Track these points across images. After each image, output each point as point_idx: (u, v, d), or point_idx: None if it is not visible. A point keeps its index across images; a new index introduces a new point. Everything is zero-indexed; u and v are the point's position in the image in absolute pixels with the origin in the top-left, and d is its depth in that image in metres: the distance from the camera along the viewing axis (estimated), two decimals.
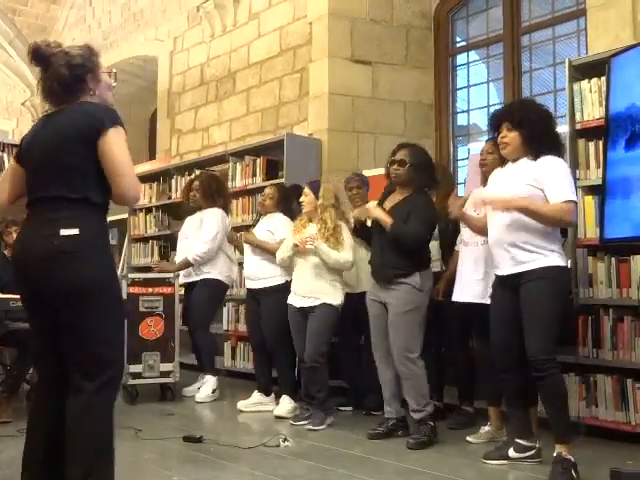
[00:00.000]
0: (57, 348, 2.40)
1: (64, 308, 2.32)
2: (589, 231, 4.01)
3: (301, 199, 4.53)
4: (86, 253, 2.32)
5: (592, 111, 4.06)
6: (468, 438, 3.90)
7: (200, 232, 5.40)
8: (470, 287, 3.90)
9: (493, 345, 3.42)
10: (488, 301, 3.61)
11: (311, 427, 4.24)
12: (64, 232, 2.29)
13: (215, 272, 5.38)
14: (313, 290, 4.37)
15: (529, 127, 3.28)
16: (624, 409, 3.80)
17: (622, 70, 3.49)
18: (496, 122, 3.43)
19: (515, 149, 3.33)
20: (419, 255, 3.95)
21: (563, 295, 3.34)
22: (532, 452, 3.39)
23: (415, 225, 3.84)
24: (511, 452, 3.41)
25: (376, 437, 3.97)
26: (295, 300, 4.47)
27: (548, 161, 3.25)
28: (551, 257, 3.22)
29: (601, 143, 3.80)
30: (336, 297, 4.37)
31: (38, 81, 2.50)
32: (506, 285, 3.33)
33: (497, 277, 3.43)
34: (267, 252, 4.82)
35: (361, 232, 4.22)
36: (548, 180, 3.22)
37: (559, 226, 3.35)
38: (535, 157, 3.28)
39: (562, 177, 3.24)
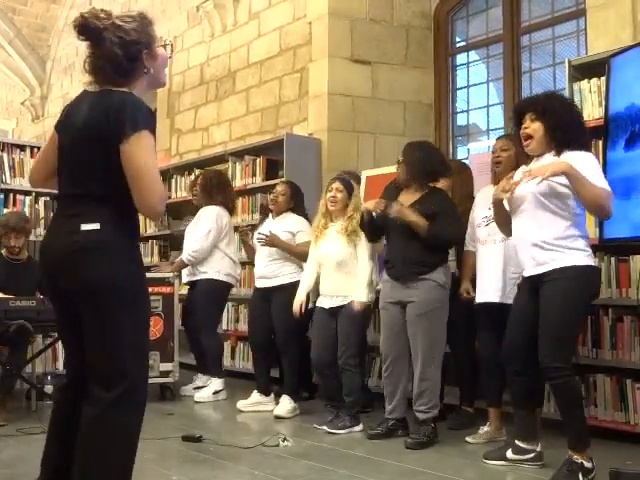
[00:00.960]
0: (82, 351, 2.25)
1: (84, 305, 2.20)
2: (589, 231, 3.99)
3: (332, 195, 4.34)
4: (107, 249, 2.19)
5: (592, 111, 4.06)
6: (467, 438, 3.90)
7: (195, 231, 5.39)
8: (492, 287, 3.78)
9: (505, 343, 3.35)
10: (506, 300, 3.57)
11: (328, 429, 4.14)
12: (85, 227, 2.17)
13: (212, 272, 5.34)
14: (341, 289, 4.26)
15: (553, 118, 3.14)
16: (623, 409, 3.80)
17: (622, 70, 3.49)
18: (520, 113, 3.29)
19: (539, 141, 3.19)
20: (440, 251, 3.91)
21: (585, 296, 3.18)
22: (531, 455, 3.34)
23: (448, 227, 3.81)
24: (509, 453, 3.38)
25: (376, 437, 3.96)
26: (323, 301, 4.36)
27: (574, 155, 3.09)
28: (574, 256, 3.08)
29: (601, 143, 3.80)
30: (366, 294, 4.22)
31: (88, 55, 2.25)
32: (529, 286, 3.24)
33: (523, 278, 3.33)
34: (292, 254, 4.76)
35: (367, 223, 4.07)
36: (581, 168, 3.01)
37: (597, 209, 3.12)
38: (558, 152, 3.14)
39: (592, 168, 3.06)
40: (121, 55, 2.19)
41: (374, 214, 3.97)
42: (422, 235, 3.81)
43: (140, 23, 2.25)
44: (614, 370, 3.88)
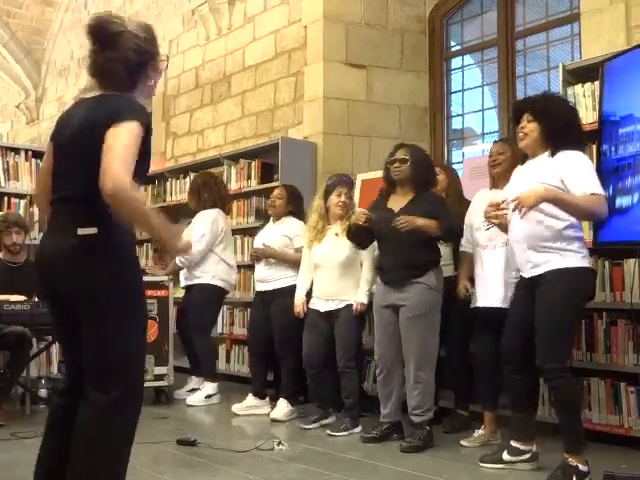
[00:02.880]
0: (77, 354, 2.25)
1: (82, 309, 2.19)
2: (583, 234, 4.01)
3: (340, 200, 4.37)
4: (104, 253, 2.17)
5: (586, 115, 4.07)
6: (462, 442, 3.90)
7: (190, 234, 5.38)
8: (495, 291, 3.77)
9: (502, 344, 3.36)
10: (507, 305, 3.57)
11: (331, 432, 4.15)
12: (81, 231, 2.15)
13: (207, 277, 5.33)
14: (337, 292, 4.28)
15: (551, 119, 3.18)
16: (617, 413, 3.81)
17: (616, 75, 3.50)
18: (517, 112, 3.34)
19: (534, 141, 3.23)
20: (432, 253, 3.93)
21: (579, 298, 3.21)
22: (527, 456, 3.35)
23: (453, 216, 3.86)
24: (505, 455, 3.39)
25: (370, 441, 3.96)
26: (319, 304, 4.38)
27: (568, 155, 3.13)
28: (569, 258, 3.11)
29: (594, 147, 3.81)
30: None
31: (92, 56, 2.25)
32: (525, 287, 3.27)
33: (520, 278, 3.36)
34: (285, 262, 4.78)
35: (356, 235, 4.12)
36: (571, 174, 3.07)
37: (590, 218, 3.20)
38: (553, 152, 3.17)
39: (585, 170, 3.10)
40: (134, 61, 2.23)
41: (359, 222, 3.97)
42: (435, 235, 3.81)
43: (151, 35, 2.31)
44: (608, 374, 3.89)
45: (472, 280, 3.94)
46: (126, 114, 2.14)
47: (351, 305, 4.24)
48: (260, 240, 4.92)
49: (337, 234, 4.30)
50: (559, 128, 3.17)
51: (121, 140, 2.09)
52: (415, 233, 3.78)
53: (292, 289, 4.67)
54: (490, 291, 3.79)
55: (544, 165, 3.21)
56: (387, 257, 3.97)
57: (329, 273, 4.32)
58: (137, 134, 2.13)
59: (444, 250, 4.15)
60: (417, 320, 3.83)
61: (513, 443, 3.39)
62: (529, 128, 3.24)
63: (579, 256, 3.15)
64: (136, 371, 2.28)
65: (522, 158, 3.42)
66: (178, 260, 5.33)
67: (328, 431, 4.18)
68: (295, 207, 4.92)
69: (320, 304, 4.37)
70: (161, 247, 2.37)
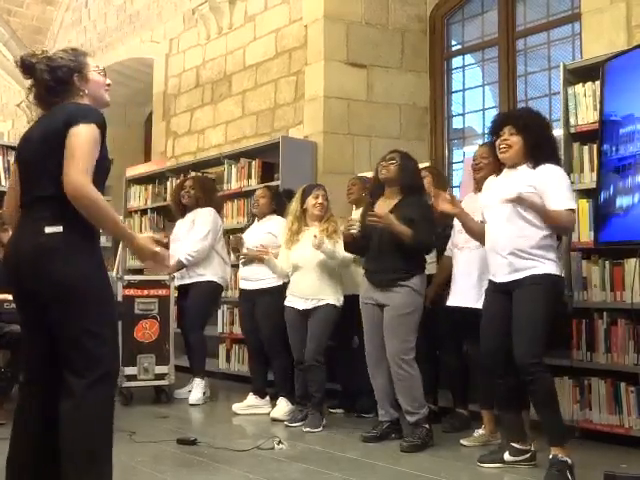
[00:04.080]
0: (46, 348, 2.40)
1: (51, 305, 2.33)
2: (583, 234, 4.02)
3: (318, 202, 4.47)
4: (71, 250, 2.33)
5: (586, 115, 4.08)
6: (462, 441, 3.90)
7: (192, 232, 5.39)
8: (464, 292, 3.89)
9: (484, 350, 3.42)
10: (480, 305, 3.62)
11: (309, 429, 4.24)
12: (49, 230, 2.31)
13: (210, 274, 5.37)
14: (316, 292, 4.38)
15: (533, 133, 3.30)
16: (618, 412, 3.81)
17: (616, 74, 3.50)
18: (498, 125, 3.42)
19: (516, 153, 3.33)
20: (417, 258, 3.97)
21: (554, 303, 3.33)
22: (527, 455, 3.39)
23: (428, 231, 3.88)
24: (506, 456, 3.41)
25: (370, 440, 3.97)
26: (296, 302, 4.46)
27: (548, 169, 3.27)
28: (548, 265, 3.24)
29: (595, 147, 3.81)
30: (338, 298, 4.41)
31: (29, 90, 2.53)
32: (500, 291, 3.34)
33: (492, 283, 3.43)
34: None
35: (351, 245, 4.17)
36: (549, 188, 3.24)
37: (557, 230, 3.34)
38: (534, 165, 3.29)
39: (563, 186, 3.27)
40: (49, 79, 2.45)
41: (353, 233, 4.04)
42: (406, 242, 3.84)
43: (69, 54, 2.51)
44: (608, 373, 3.89)
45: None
46: (81, 116, 2.33)
47: (328, 304, 4.36)
48: (246, 238, 4.95)
49: (315, 235, 4.35)
50: (540, 142, 3.31)
51: (78, 143, 2.28)
52: (392, 236, 3.84)
53: (276, 289, 4.72)
54: (465, 291, 3.88)
55: (526, 176, 3.30)
56: (373, 261, 4.03)
57: (308, 274, 4.41)
58: (94, 135, 2.33)
59: None
60: (398, 320, 3.89)
61: (513, 444, 3.42)
62: (512, 140, 3.34)
63: (555, 264, 3.29)
64: (111, 354, 2.46)
65: (496, 167, 3.53)
66: (184, 258, 5.33)
67: (307, 428, 4.25)
68: (278, 206, 4.98)
69: (298, 302, 4.45)
70: (136, 254, 2.49)
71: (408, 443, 3.80)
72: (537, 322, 3.19)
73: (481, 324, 3.44)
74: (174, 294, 5.40)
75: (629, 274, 3.81)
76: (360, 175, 5.35)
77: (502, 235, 3.31)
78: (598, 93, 3.82)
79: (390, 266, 3.91)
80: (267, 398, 4.88)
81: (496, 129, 3.43)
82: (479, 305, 3.66)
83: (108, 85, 2.60)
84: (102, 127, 2.37)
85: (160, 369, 5.15)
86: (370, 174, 5.31)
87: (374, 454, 3.70)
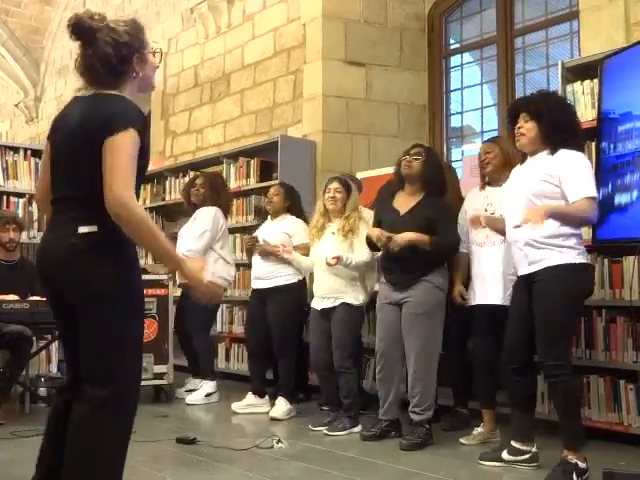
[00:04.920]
0: (76, 350, 2.28)
1: (81, 308, 2.21)
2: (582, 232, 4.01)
3: (329, 196, 4.36)
4: (103, 252, 2.19)
5: (585, 113, 4.07)
6: (461, 440, 3.90)
7: (190, 231, 5.38)
8: (490, 289, 3.78)
9: (506, 345, 3.37)
10: (507, 302, 3.57)
11: (328, 432, 4.14)
12: (82, 230, 2.17)
13: (207, 274, 5.31)
14: (331, 290, 4.28)
15: (547, 117, 3.17)
16: (617, 410, 3.81)
17: (615, 72, 3.50)
18: (514, 112, 3.33)
19: (531, 140, 3.23)
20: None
21: (577, 294, 3.20)
22: (527, 456, 3.34)
23: (450, 232, 3.83)
24: (504, 455, 3.38)
25: (370, 439, 3.96)
26: (316, 302, 4.39)
27: (566, 155, 3.13)
28: (566, 254, 3.10)
29: (594, 145, 3.81)
30: (357, 296, 4.26)
31: (78, 56, 2.28)
32: (523, 285, 3.27)
33: (517, 277, 3.35)
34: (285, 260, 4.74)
35: (373, 246, 4.05)
36: (567, 175, 3.09)
37: (582, 224, 3.23)
38: (553, 151, 3.17)
39: (582, 172, 3.11)
40: (112, 55, 2.22)
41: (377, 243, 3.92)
42: (426, 249, 3.79)
43: (133, 27, 2.29)
44: (607, 371, 3.89)
45: (466, 281, 3.96)
46: (122, 121, 2.15)
47: (345, 304, 4.25)
48: (260, 237, 4.91)
49: (334, 232, 4.31)
50: (557, 126, 3.17)
51: (121, 157, 2.11)
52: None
53: (289, 287, 4.70)
54: (490, 289, 3.79)
55: (543, 164, 3.20)
56: (391, 259, 3.92)
57: (326, 272, 4.32)
58: (135, 143, 2.16)
59: None
60: (420, 317, 3.82)
61: (513, 443, 3.38)
62: (527, 127, 3.24)
63: (575, 252, 3.14)
64: (133, 369, 2.29)
65: (522, 157, 3.40)
66: (181, 256, 5.30)
67: (325, 431, 4.18)
68: (292, 204, 4.93)
69: (317, 302, 4.39)
70: (187, 280, 2.36)
71: (408, 441, 3.79)
72: (556, 321, 3.10)
73: (508, 317, 3.38)
74: (174, 293, 5.39)
75: (628, 272, 3.80)
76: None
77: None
78: (596, 91, 3.82)
79: (408, 265, 3.83)
80: (266, 397, 4.88)
81: (512, 117, 3.33)
82: (504, 302, 3.62)
83: (157, 68, 2.42)
84: (143, 127, 2.21)
85: (159, 368, 5.14)
86: (370, 172, 5.34)
87: (374, 452, 3.70)
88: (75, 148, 2.22)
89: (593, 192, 3.09)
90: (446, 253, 3.90)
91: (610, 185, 3.33)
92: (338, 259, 4.14)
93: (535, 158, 3.27)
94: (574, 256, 3.12)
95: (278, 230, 4.85)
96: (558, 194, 3.12)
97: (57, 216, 2.29)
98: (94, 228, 2.17)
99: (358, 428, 4.17)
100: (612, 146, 3.38)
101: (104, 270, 2.19)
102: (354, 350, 4.32)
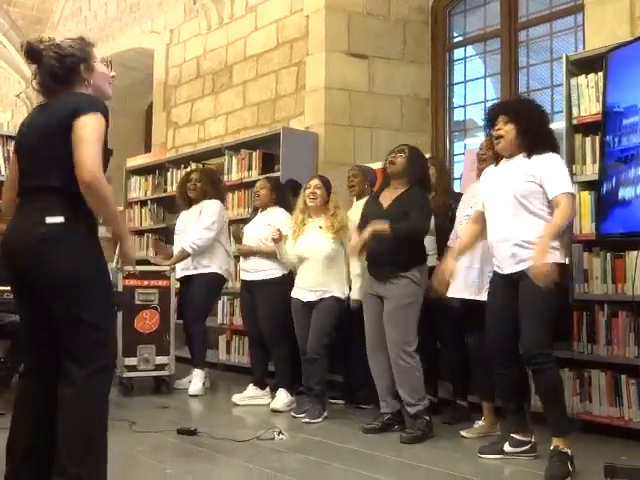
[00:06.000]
0: (45, 338, 2.43)
1: (51, 295, 2.35)
2: (585, 226, 4.01)
3: (310, 191, 4.45)
4: (71, 241, 2.34)
5: (589, 106, 4.06)
6: (461, 433, 3.91)
7: (198, 223, 5.38)
8: (466, 283, 3.87)
9: (489, 341, 3.41)
10: (482, 297, 3.62)
11: (308, 420, 4.25)
12: (50, 220, 2.31)
13: (215, 266, 5.34)
14: (321, 284, 4.36)
15: (525, 121, 3.28)
16: (618, 404, 3.81)
17: (619, 65, 3.49)
18: (492, 116, 3.43)
19: (509, 143, 3.32)
20: (417, 250, 3.96)
21: (561, 291, 3.31)
22: (527, 447, 3.39)
23: (414, 218, 3.85)
24: (506, 447, 3.41)
25: (371, 431, 3.97)
26: (301, 294, 4.45)
27: (543, 158, 3.25)
28: (552, 254, 3.18)
29: (598, 138, 3.80)
30: (343, 290, 4.40)
31: (33, 76, 2.51)
32: (506, 282, 3.32)
33: (497, 274, 3.41)
34: (264, 255, 4.79)
35: None
36: (546, 174, 3.21)
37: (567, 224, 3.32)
38: (529, 154, 3.28)
39: (559, 170, 3.24)
40: (57, 66, 2.44)
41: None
42: (391, 237, 3.83)
43: (78, 42, 2.52)
44: (609, 365, 3.89)
45: None
46: (88, 106, 2.34)
47: (332, 297, 4.33)
48: (247, 231, 4.98)
49: (321, 227, 4.36)
50: (533, 129, 3.28)
51: (90, 134, 2.29)
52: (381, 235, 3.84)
53: (273, 281, 4.76)
54: (461, 283, 3.85)
55: (521, 167, 3.29)
56: (373, 251, 3.99)
57: (314, 265, 4.38)
58: (102, 124, 2.34)
59: (427, 241, 4.18)
60: (399, 311, 3.89)
61: (514, 435, 3.42)
62: (505, 130, 3.33)
63: (560, 253, 3.25)
64: (109, 345, 2.52)
65: (495, 159, 3.50)
66: (189, 246, 5.32)
67: (306, 419, 4.25)
68: (279, 197, 4.96)
69: (302, 294, 4.44)
70: (119, 248, 2.53)
71: (407, 434, 3.81)
72: (544, 312, 3.18)
73: (486, 314, 3.43)
74: (175, 285, 5.39)
75: (630, 266, 3.79)
76: (361, 165, 5.28)
77: (505, 226, 3.29)
78: (601, 84, 3.80)
79: (389, 259, 3.90)
80: (267, 389, 4.88)
81: (491, 120, 3.42)
82: (481, 297, 3.66)
83: (112, 77, 2.61)
84: (106, 118, 2.38)
85: (160, 360, 5.15)
86: (373, 164, 5.33)
87: (374, 445, 3.70)
88: (44, 143, 2.37)
89: (571, 188, 3.26)
90: (409, 238, 3.88)
91: (614, 179, 3.32)
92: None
93: (512, 161, 3.35)
94: (559, 256, 3.23)
95: (263, 223, 4.89)
96: (540, 193, 3.23)
97: (25, 206, 2.43)
98: (60, 219, 2.32)
99: (326, 413, 4.34)
100: (616, 140, 3.37)
101: (74, 256, 2.34)
102: (329, 340, 4.38)
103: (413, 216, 3.86)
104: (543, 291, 3.13)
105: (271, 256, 4.73)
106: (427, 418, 3.87)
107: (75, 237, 2.35)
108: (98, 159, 2.28)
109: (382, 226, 3.84)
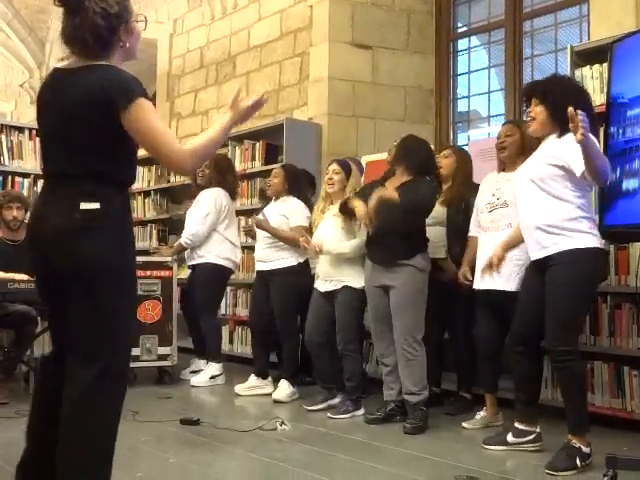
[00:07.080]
0: (65, 328, 2.25)
1: (76, 284, 2.17)
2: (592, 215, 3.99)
3: (329, 177, 4.36)
4: (105, 229, 2.17)
5: (594, 97, 4.02)
6: (463, 424, 3.91)
7: (194, 214, 5.38)
8: (494, 274, 3.69)
9: (513, 326, 3.37)
10: (507, 287, 3.59)
11: (330, 415, 4.15)
12: (84, 206, 2.14)
13: (210, 256, 5.30)
14: (335, 273, 4.28)
15: (552, 99, 3.15)
16: (620, 396, 3.81)
17: (624, 56, 3.47)
18: (527, 97, 3.33)
19: (540, 124, 3.22)
20: (418, 237, 3.96)
21: (589, 278, 3.17)
22: (531, 437, 3.37)
23: (420, 191, 3.85)
24: (509, 437, 3.40)
25: (374, 422, 3.98)
26: (319, 284, 4.40)
27: (570, 136, 2.99)
28: (578, 239, 3.07)
29: (602, 129, 3.78)
30: (359, 279, 4.22)
31: (63, 27, 2.21)
32: (536, 269, 3.25)
33: (531, 261, 3.33)
34: (279, 239, 4.74)
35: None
36: (569, 152, 3.00)
37: (602, 175, 2.95)
38: (560, 134, 3.14)
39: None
40: (102, 26, 2.16)
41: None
42: (398, 206, 3.77)
43: None
44: (612, 357, 3.89)
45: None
46: (135, 91, 2.15)
47: (347, 287, 4.24)
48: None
49: (335, 215, 4.31)
50: (563, 108, 3.03)
51: (153, 123, 2.15)
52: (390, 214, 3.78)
53: (291, 269, 4.71)
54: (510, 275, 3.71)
55: (551, 147, 3.19)
56: (375, 238, 3.98)
57: (328, 254, 4.33)
58: (154, 108, 2.18)
59: (437, 232, 4.17)
60: (406, 300, 3.88)
61: (517, 425, 3.40)
62: (536, 111, 3.23)
63: (589, 236, 3.10)
64: (121, 348, 2.29)
65: (537, 142, 3.38)
66: (183, 240, 5.32)
67: (329, 414, 4.18)
68: (292, 186, 4.89)
69: (320, 284, 4.40)
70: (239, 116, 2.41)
71: (410, 425, 3.81)
72: (566, 306, 3.08)
73: (517, 300, 3.38)
74: (182, 274, 5.38)
75: (634, 258, 3.78)
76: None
77: (527, 212, 3.21)
78: (605, 75, 3.79)
79: (391, 244, 3.89)
80: (269, 378, 4.89)
81: (528, 101, 3.31)
82: (509, 287, 3.61)
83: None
84: (147, 94, 2.20)
85: (163, 350, 5.16)
86: (376, 155, 5.33)
87: (377, 436, 3.71)
88: (75, 126, 2.16)
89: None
90: (414, 209, 3.85)
91: (618, 170, 3.31)
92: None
93: (544, 143, 3.26)
94: (586, 240, 3.09)
95: (277, 212, 4.84)
96: (565, 177, 3.09)
97: (55, 192, 2.24)
98: (96, 205, 2.16)
99: (361, 411, 4.18)
100: (621, 131, 3.35)
101: (105, 247, 2.17)
102: (357, 333, 4.32)
103: (421, 190, 3.85)
104: (565, 283, 3.05)
105: (288, 241, 4.69)
106: (424, 409, 3.88)
107: (108, 225, 2.18)
108: (174, 145, 2.17)
109: (390, 192, 3.81)
